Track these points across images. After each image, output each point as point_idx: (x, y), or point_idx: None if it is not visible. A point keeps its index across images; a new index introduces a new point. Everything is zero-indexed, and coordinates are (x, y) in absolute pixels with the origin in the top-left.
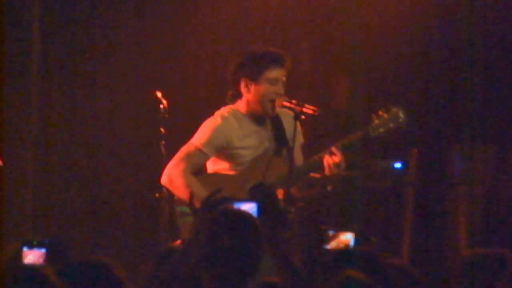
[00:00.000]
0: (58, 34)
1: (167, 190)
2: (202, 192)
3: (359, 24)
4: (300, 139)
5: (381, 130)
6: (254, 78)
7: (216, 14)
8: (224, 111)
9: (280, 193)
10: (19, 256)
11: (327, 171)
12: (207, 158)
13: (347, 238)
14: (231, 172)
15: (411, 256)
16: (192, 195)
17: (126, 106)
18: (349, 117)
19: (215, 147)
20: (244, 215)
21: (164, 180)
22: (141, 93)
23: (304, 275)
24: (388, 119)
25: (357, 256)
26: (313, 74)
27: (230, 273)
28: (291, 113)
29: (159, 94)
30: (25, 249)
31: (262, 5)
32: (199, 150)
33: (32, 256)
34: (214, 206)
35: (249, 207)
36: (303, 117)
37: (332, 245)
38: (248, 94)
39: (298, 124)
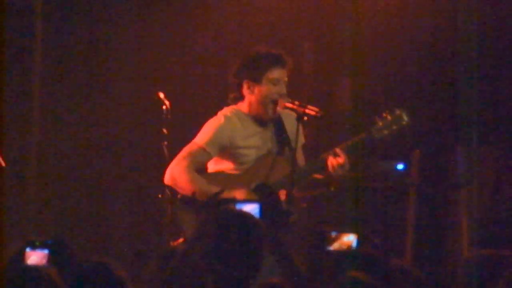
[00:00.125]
0: (60, 35)
1: (170, 191)
2: (206, 188)
3: (362, 26)
4: (301, 140)
5: (385, 132)
6: (256, 79)
7: (219, 15)
8: (227, 111)
9: (282, 194)
10: (22, 256)
11: (331, 172)
12: (210, 157)
13: (350, 239)
14: (234, 172)
15: (413, 257)
16: (196, 191)
17: (128, 107)
18: (352, 118)
19: (218, 147)
20: (247, 215)
21: (167, 178)
22: (143, 94)
23: (306, 276)
24: (391, 121)
25: (360, 257)
26: (315, 75)
27: (233, 274)
28: (293, 114)
29: (161, 95)
30: (28, 250)
31: (265, 6)
32: (202, 149)
33: (36, 257)
34: (217, 206)
35: (252, 208)
36: (305, 118)
37: (334, 246)
38: (251, 96)
39: (299, 125)
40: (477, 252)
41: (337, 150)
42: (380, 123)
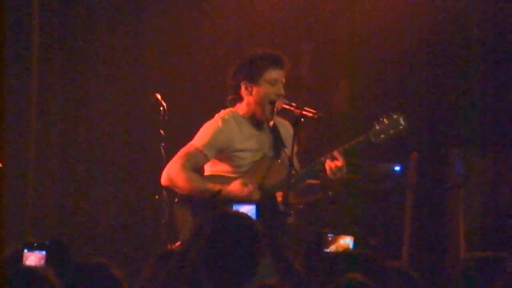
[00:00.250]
0: (58, 36)
1: (167, 192)
2: (204, 186)
3: (359, 27)
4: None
5: (382, 136)
6: (254, 80)
7: (216, 17)
8: (224, 113)
9: (279, 196)
10: (19, 257)
11: (329, 175)
12: (207, 160)
13: (347, 242)
14: (231, 175)
15: (410, 259)
16: (193, 190)
17: (125, 108)
18: (349, 120)
19: (215, 150)
20: (243, 217)
21: (164, 179)
22: (140, 95)
23: (303, 278)
24: (388, 125)
25: (357, 259)
26: (313, 78)
27: (229, 275)
28: (287, 123)
29: (158, 96)
30: (26, 251)
31: (262, 8)
32: (199, 151)
33: (34, 258)
34: (214, 207)
35: (248, 209)
36: (303, 120)
37: (331, 248)
38: (249, 97)
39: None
40: (474, 254)
41: (335, 153)
42: (378, 127)
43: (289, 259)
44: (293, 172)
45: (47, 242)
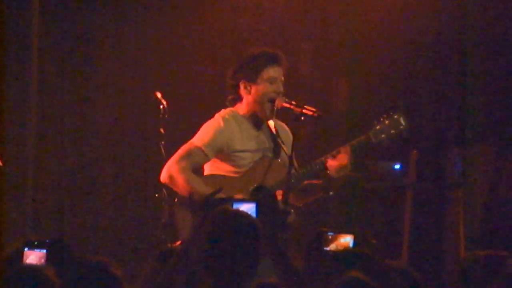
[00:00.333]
0: (57, 34)
1: (167, 190)
2: (203, 189)
3: (359, 26)
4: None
5: (383, 136)
6: (252, 79)
7: (216, 15)
8: (225, 113)
9: (279, 194)
10: (20, 256)
11: (333, 174)
12: (207, 159)
13: (347, 240)
14: (231, 175)
15: (410, 258)
16: (192, 192)
17: (126, 107)
18: (349, 119)
19: (216, 149)
20: (243, 215)
21: (163, 176)
22: (141, 94)
23: (303, 276)
24: (389, 125)
25: (356, 257)
26: (313, 76)
27: (229, 273)
28: (286, 127)
29: (159, 95)
30: (26, 249)
31: (262, 7)
32: (200, 151)
33: (34, 257)
34: (214, 206)
35: (248, 208)
36: (303, 118)
37: (331, 247)
38: (248, 96)
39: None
40: (474, 252)
41: (340, 150)
42: (378, 127)
43: (289, 257)
44: (293, 171)
45: (47, 240)
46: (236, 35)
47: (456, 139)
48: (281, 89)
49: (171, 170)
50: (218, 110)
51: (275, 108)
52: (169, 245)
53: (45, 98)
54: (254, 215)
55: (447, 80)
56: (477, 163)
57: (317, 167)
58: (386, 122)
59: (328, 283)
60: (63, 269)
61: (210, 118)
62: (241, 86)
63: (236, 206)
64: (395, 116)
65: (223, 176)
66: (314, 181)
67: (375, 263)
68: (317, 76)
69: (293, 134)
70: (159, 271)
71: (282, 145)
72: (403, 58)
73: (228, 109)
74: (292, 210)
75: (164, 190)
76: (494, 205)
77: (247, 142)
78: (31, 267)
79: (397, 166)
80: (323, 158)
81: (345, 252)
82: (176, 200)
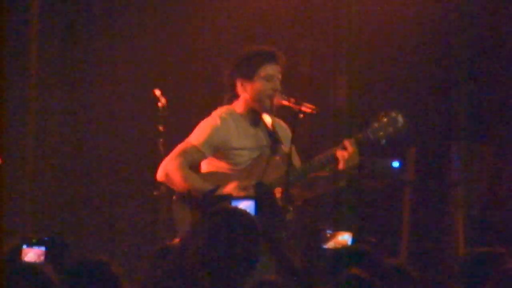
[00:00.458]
0: (56, 33)
1: (165, 188)
2: (200, 185)
3: (358, 24)
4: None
5: (381, 133)
6: (249, 77)
7: (215, 13)
8: (222, 111)
9: (278, 192)
10: (18, 254)
11: (343, 164)
12: (203, 157)
13: (345, 238)
14: (229, 172)
15: (408, 255)
16: (189, 189)
17: (124, 104)
18: (348, 117)
19: (212, 147)
20: (242, 212)
21: (160, 174)
22: (139, 91)
23: (302, 274)
24: (387, 123)
25: (355, 255)
26: (312, 74)
27: (228, 271)
28: (285, 125)
29: (157, 92)
30: (25, 247)
31: (262, 5)
32: (196, 149)
33: (33, 254)
34: (212, 203)
35: (247, 205)
36: (301, 115)
37: (330, 245)
38: (245, 94)
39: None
40: (473, 249)
41: (345, 143)
42: (376, 125)
43: (287, 254)
44: (290, 170)
45: (46, 238)
46: (236, 33)
47: (455, 137)
48: (279, 86)
49: (167, 168)
50: (216, 108)
51: (274, 104)
52: (167, 242)
53: (45, 96)
54: (252, 212)
55: (446, 77)
56: (476, 161)
57: (327, 159)
58: (384, 120)
59: (327, 281)
60: (61, 266)
61: (208, 116)
62: (238, 84)
63: (234, 203)
64: (393, 114)
65: (221, 174)
66: (321, 174)
67: (373, 261)
68: (316, 74)
69: (292, 131)
70: (158, 268)
71: (280, 143)
72: (402, 56)
73: (225, 107)
74: (291, 208)
75: (163, 188)
76: (493, 202)
77: (244, 140)
78: (30, 265)
79: (395, 164)
80: (331, 151)
81: (345, 249)
82: (174, 197)
